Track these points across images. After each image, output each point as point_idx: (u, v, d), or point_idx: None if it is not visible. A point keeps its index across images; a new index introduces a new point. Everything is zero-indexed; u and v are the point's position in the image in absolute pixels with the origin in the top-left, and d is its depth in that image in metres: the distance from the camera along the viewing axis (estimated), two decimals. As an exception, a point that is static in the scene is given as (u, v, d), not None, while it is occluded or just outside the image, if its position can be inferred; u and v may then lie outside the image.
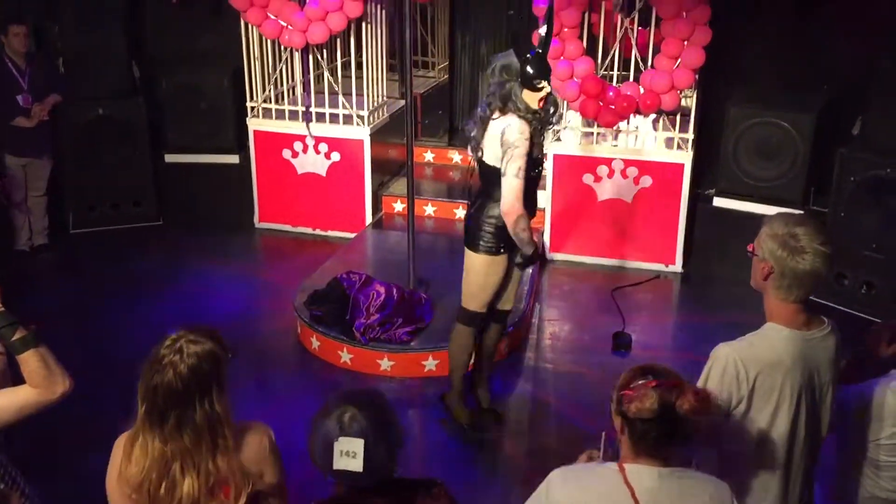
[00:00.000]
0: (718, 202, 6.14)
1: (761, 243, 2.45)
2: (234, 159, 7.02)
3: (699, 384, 2.52)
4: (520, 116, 3.77)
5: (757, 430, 2.50)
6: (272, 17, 6.34)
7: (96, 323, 5.44)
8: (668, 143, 6.22)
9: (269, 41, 6.61)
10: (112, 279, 6.08)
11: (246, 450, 2.27)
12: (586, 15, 5.92)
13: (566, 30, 5.82)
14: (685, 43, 5.64)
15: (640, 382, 2.11)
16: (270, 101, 6.78)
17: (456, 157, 7.59)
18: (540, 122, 3.84)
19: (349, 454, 2.04)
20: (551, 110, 3.92)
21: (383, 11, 6.73)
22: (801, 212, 2.98)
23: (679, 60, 5.71)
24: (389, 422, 2.15)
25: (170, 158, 7.03)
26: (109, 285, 5.97)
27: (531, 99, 3.75)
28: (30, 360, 2.33)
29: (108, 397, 3.71)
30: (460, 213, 6.82)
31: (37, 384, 2.34)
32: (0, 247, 6.26)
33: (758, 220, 2.60)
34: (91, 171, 6.81)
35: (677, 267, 6.34)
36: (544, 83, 3.74)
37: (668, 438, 2.11)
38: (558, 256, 6.53)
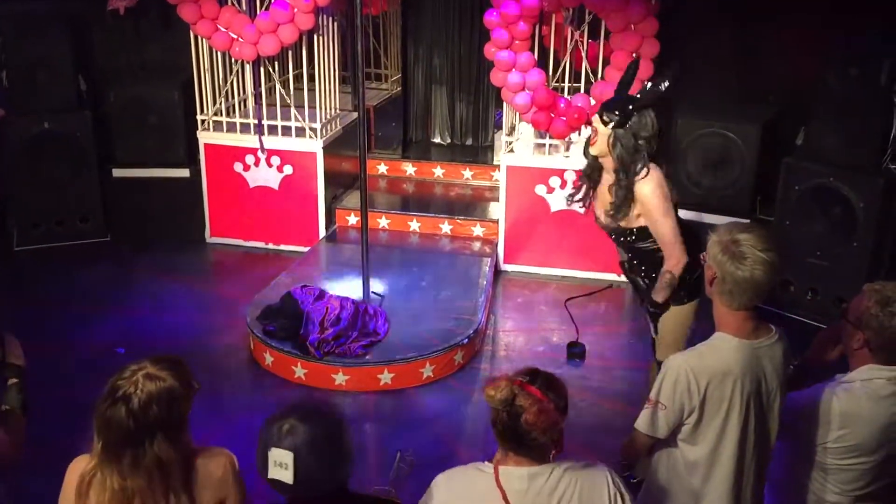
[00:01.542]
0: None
1: (709, 249, 2.50)
2: (184, 173, 6.91)
3: (651, 395, 2.55)
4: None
5: (708, 439, 2.54)
6: (222, 29, 6.28)
7: (42, 341, 5.29)
8: (619, 154, 6.28)
9: (219, 53, 6.55)
10: (58, 297, 5.94)
11: (207, 479, 2.21)
12: (537, 27, 5.98)
13: (517, 42, 5.87)
14: (634, 55, 5.72)
15: (513, 376, 2.16)
16: (221, 114, 6.70)
17: (410, 168, 7.59)
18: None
19: (281, 465, 2.05)
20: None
21: (335, 24, 6.71)
22: (749, 221, 3.04)
23: (628, 73, 5.78)
24: (332, 435, 2.12)
25: (118, 173, 6.89)
26: (55, 303, 5.83)
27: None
28: (15, 421, 2.46)
29: (51, 417, 3.63)
30: (414, 225, 6.83)
31: (9, 439, 2.43)
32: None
33: (706, 229, 2.64)
34: (36, 187, 6.64)
35: (630, 276, 6.41)
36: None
37: (513, 439, 2.14)
38: (512, 268, 6.56)
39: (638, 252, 3.71)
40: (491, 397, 2.12)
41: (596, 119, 3.59)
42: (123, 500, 2.10)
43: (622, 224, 3.63)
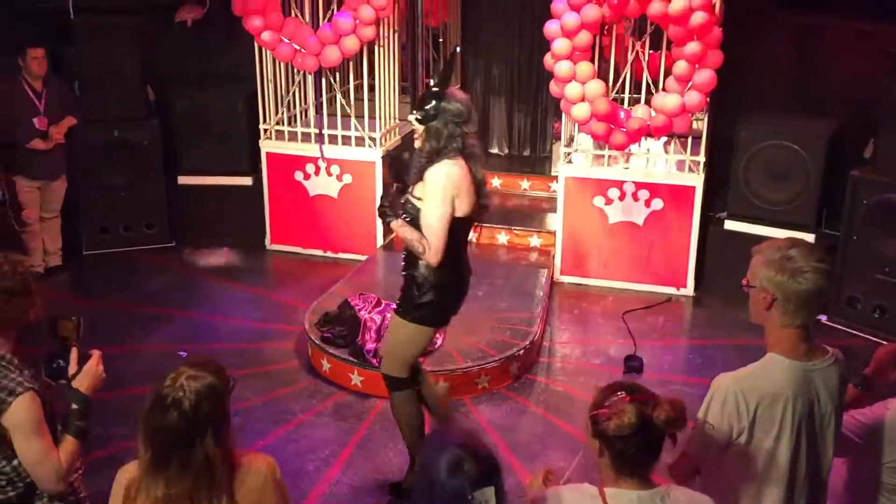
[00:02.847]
0: (730, 225, 6.13)
1: (756, 274, 2.43)
2: (246, 181, 7.06)
3: (699, 415, 2.50)
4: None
5: (759, 461, 2.48)
6: (286, 40, 6.40)
7: (107, 343, 5.43)
8: (680, 165, 6.22)
9: (282, 64, 6.67)
10: (124, 300, 6.10)
11: (249, 483, 2.23)
12: (597, 38, 5.95)
13: (577, 52, 5.84)
14: (696, 66, 5.65)
15: (613, 399, 2.10)
16: (283, 124, 6.83)
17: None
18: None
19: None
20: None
21: (395, 35, 6.79)
22: (788, 236, 2.97)
23: (690, 84, 5.72)
24: (488, 455, 2.05)
25: (183, 180, 7.08)
26: (122, 306, 6.00)
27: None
28: (72, 446, 2.55)
29: (112, 418, 3.73)
30: (471, 235, 6.82)
31: (63, 463, 2.50)
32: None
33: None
34: (104, 193, 6.86)
35: (689, 290, 6.32)
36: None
37: (647, 454, 2.10)
38: (569, 279, 6.52)
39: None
40: (622, 426, 2.04)
41: (412, 118, 3.61)
42: None
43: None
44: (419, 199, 3.56)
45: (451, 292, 3.76)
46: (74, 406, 2.58)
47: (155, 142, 6.88)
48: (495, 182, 7.54)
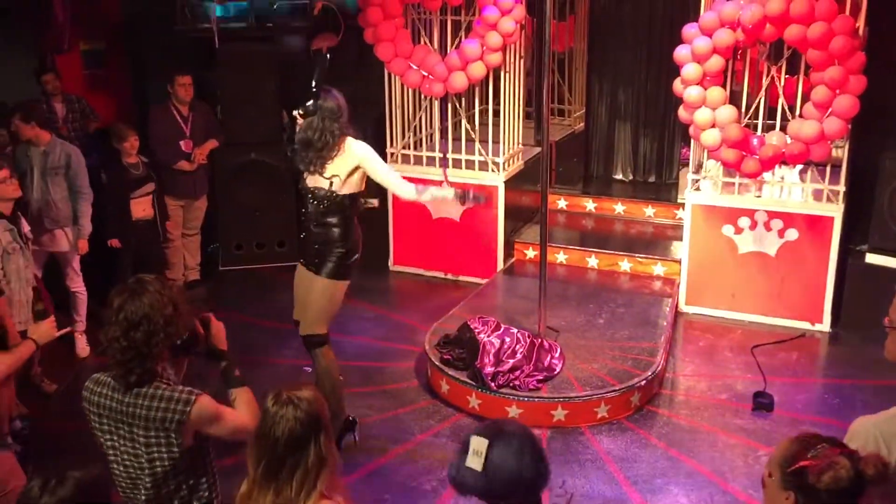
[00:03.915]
0: (871, 259, 5.79)
1: None
2: (373, 203, 7.24)
3: None
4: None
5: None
6: (414, 66, 6.55)
7: (240, 354, 5.69)
8: (817, 195, 5.93)
9: (410, 90, 6.84)
10: (256, 314, 6.36)
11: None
12: (730, 63, 5.79)
13: (708, 78, 5.70)
14: (837, 92, 5.40)
15: (818, 451, 2.01)
16: (409, 148, 6.98)
17: (590, 204, 7.54)
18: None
19: (476, 453, 2.11)
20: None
21: (521, 60, 6.83)
22: None
23: (830, 110, 5.47)
24: (532, 446, 2.16)
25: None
26: (253, 320, 6.26)
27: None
28: (245, 394, 2.73)
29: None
30: (592, 261, 6.76)
31: (249, 414, 2.64)
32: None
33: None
34: (240, 212, 7.21)
35: (825, 326, 6.00)
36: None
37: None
38: (694, 310, 6.32)
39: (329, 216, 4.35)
40: (839, 479, 1.99)
41: (296, 113, 4.31)
42: None
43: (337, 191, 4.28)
44: (336, 175, 4.25)
45: (355, 250, 4.45)
46: (223, 364, 2.75)
47: (289, 164, 7.15)
48: (618, 208, 7.44)
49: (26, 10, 6.74)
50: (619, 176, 7.97)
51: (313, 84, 4.34)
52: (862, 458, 2.00)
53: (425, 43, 6.62)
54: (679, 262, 6.39)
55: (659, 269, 6.58)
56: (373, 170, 4.31)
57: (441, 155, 6.81)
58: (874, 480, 1.99)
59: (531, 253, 6.86)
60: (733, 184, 6.08)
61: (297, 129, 4.31)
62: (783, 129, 5.78)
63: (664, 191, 7.67)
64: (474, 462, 2.10)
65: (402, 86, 6.82)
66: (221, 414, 2.61)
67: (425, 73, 6.55)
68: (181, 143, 6.58)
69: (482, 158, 6.73)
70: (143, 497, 2.60)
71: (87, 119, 6.89)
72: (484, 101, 6.74)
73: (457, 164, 6.80)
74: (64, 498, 2.04)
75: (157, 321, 2.48)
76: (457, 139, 6.75)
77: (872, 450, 2.28)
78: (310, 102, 4.24)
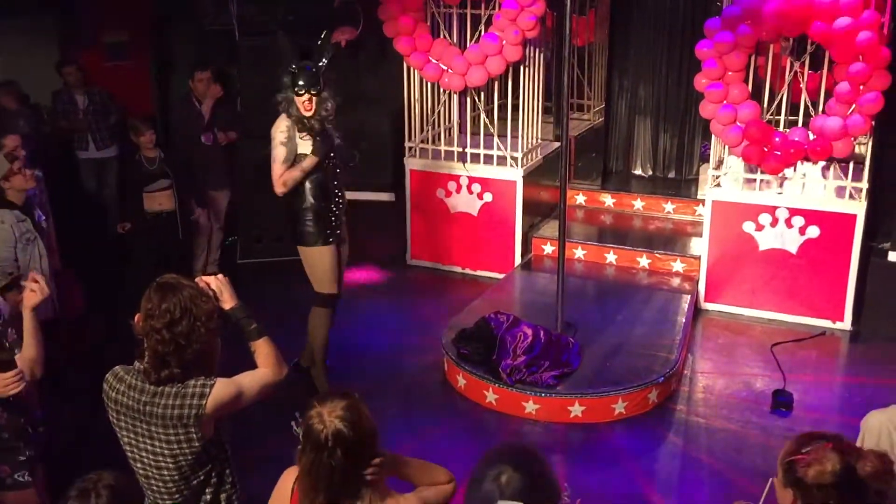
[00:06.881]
0: (894, 257, 5.73)
1: None
2: (390, 197, 7.24)
3: None
4: (288, 116, 4.84)
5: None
6: (434, 60, 6.54)
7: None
8: (839, 192, 5.87)
9: (428, 84, 6.83)
10: (272, 309, 6.36)
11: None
12: (752, 58, 5.73)
13: (730, 73, 5.65)
14: (861, 87, 5.33)
15: (813, 446, 1.98)
16: (427, 142, 6.97)
17: (608, 200, 7.51)
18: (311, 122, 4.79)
19: None
20: (323, 113, 4.80)
21: (541, 55, 6.80)
22: None
23: (854, 106, 5.40)
24: (544, 477, 2.12)
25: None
26: (269, 315, 6.24)
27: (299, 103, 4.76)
28: (263, 346, 2.75)
29: (258, 424, 3.88)
30: (610, 257, 6.73)
31: (269, 366, 2.71)
32: (182, 271, 6.74)
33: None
34: (259, 206, 7.22)
35: (846, 324, 5.94)
36: (305, 91, 4.73)
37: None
38: (713, 307, 6.28)
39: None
40: (822, 473, 1.97)
41: (314, 91, 4.77)
42: None
43: None
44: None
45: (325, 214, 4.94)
46: (239, 317, 2.79)
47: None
48: (637, 204, 7.40)
49: (50, 2, 6.80)
50: (639, 171, 7.92)
51: (313, 63, 4.81)
52: (861, 455, 1.96)
53: (445, 37, 6.60)
54: (698, 258, 6.35)
55: (678, 265, 6.54)
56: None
57: (460, 150, 6.79)
58: (872, 478, 1.94)
59: (549, 248, 6.83)
60: (754, 180, 6.03)
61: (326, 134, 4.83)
62: (805, 125, 5.72)
63: (684, 187, 7.61)
64: None
65: (421, 80, 6.81)
66: (239, 388, 2.60)
67: (444, 67, 6.53)
68: (202, 137, 6.60)
69: (500, 153, 6.71)
70: (173, 489, 2.60)
71: (108, 111, 6.94)
72: (503, 95, 6.72)
73: (475, 158, 6.78)
74: None
75: (198, 315, 2.53)
76: (475, 134, 6.73)
77: (885, 443, 2.26)
78: (321, 81, 4.77)
